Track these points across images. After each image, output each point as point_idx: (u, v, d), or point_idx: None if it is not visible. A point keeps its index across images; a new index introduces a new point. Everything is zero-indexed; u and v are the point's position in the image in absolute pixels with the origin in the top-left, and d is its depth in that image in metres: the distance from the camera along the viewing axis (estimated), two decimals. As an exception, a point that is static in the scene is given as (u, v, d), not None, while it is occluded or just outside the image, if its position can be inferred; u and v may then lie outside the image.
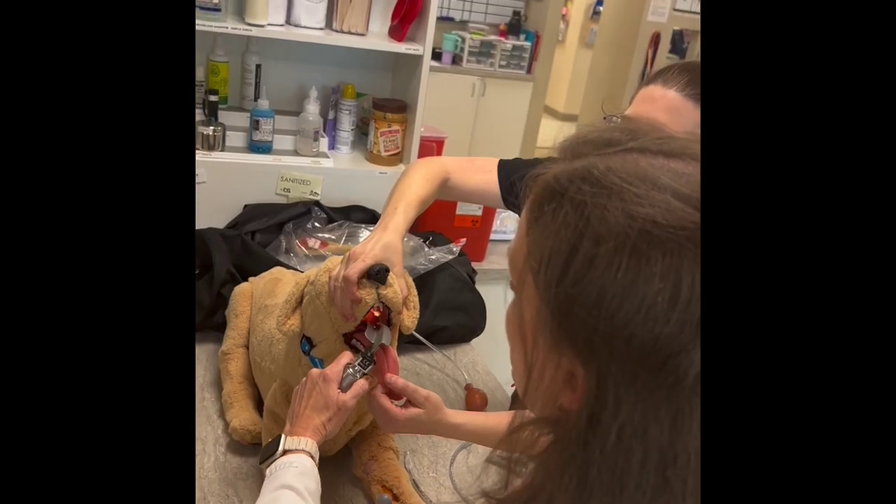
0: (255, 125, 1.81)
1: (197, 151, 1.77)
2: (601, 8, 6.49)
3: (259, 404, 1.20)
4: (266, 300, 1.26)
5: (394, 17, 1.93)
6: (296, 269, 1.47)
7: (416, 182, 1.11)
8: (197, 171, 1.74)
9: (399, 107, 1.92)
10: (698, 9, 4.74)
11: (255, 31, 1.74)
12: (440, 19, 4.76)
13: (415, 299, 1.03)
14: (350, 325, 0.96)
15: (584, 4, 7.35)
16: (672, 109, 0.96)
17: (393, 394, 0.96)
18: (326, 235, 1.69)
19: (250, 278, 1.38)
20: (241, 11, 1.80)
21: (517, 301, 0.51)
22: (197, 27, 1.66)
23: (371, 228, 1.54)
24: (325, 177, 1.84)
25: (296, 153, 1.89)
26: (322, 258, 1.58)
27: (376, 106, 1.92)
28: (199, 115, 1.82)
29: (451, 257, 1.59)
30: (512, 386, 1.32)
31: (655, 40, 4.85)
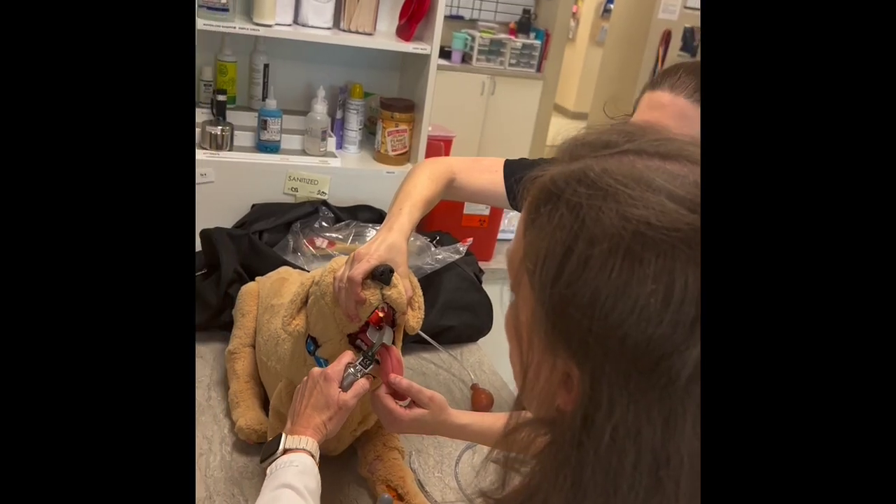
0: (263, 125, 1.82)
1: (205, 151, 1.77)
2: (612, 6, 6.47)
3: (265, 404, 1.21)
4: (272, 300, 1.26)
5: (401, 16, 1.93)
6: (303, 269, 1.47)
7: (422, 182, 1.11)
8: (205, 171, 1.75)
9: (406, 106, 1.92)
10: (709, 6, 4.70)
11: (262, 31, 1.75)
12: (450, 17, 4.76)
13: (419, 300, 1.03)
14: (354, 326, 0.96)
15: (594, 2, 7.33)
16: (682, 116, 0.95)
17: (397, 394, 0.96)
18: (334, 235, 1.70)
19: (257, 278, 1.39)
20: (248, 11, 1.81)
21: (514, 302, 0.51)
22: (205, 27, 1.67)
23: (378, 228, 1.54)
24: (333, 176, 1.84)
25: (303, 153, 1.90)
26: (329, 257, 1.58)
27: (384, 105, 1.92)
28: (207, 114, 1.83)
29: (457, 257, 1.59)
30: (517, 386, 1.32)
31: (666, 38, 4.83)
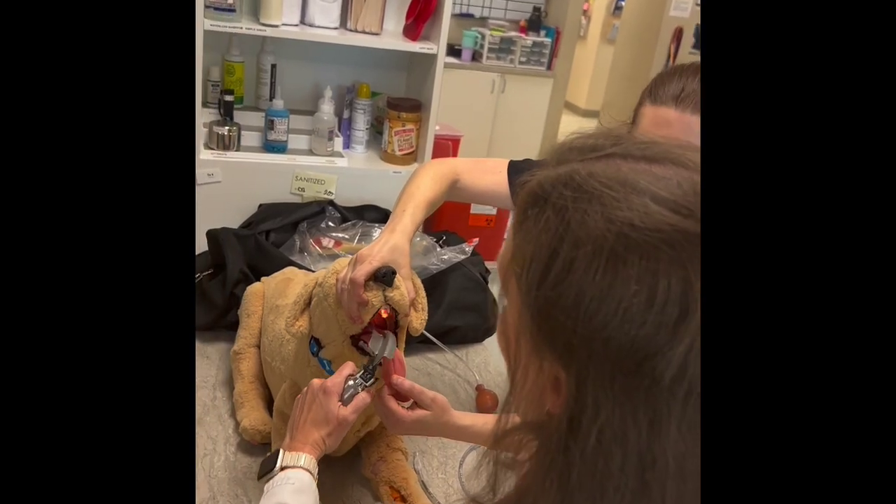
0: (270, 125, 1.82)
1: (212, 151, 1.78)
2: (623, 3, 6.44)
3: (270, 404, 1.21)
4: (277, 300, 1.27)
5: (408, 16, 1.93)
6: (309, 269, 1.47)
7: (425, 184, 1.11)
8: (212, 171, 1.75)
9: (413, 106, 1.92)
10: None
11: (269, 32, 1.75)
12: (460, 16, 4.75)
13: (423, 301, 1.03)
14: (357, 328, 0.96)
15: (605, 0, 7.30)
16: (691, 133, 0.94)
17: (400, 395, 0.96)
18: (340, 235, 1.70)
19: (262, 278, 1.39)
20: (255, 12, 1.81)
21: (505, 306, 0.51)
22: (212, 28, 1.67)
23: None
24: (340, 176, 1.85)
25: (310, 152, 1.90)
26: (336, 257, 1.58)
27: (391, 105, 1.92)
28: (214, 114, 1.83)
29: (463, 257, 1.59)
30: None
31: (678, 35, 4.80)
